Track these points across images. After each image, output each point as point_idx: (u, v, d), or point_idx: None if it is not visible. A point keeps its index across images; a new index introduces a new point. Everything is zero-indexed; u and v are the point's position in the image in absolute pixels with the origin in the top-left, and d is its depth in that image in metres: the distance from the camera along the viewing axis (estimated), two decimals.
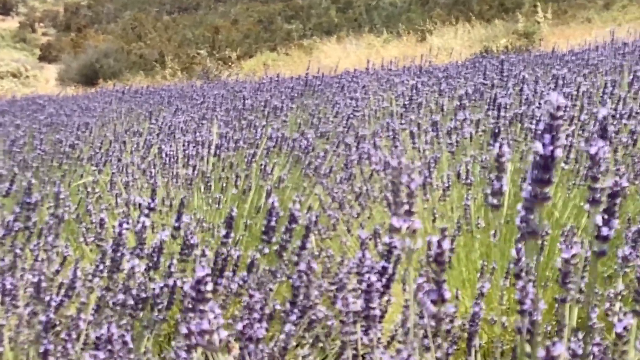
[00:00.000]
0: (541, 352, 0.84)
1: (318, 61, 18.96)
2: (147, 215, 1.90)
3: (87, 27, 41.61)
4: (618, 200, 1.32)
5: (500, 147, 1.52)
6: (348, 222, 3.70)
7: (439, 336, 2.21)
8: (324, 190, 4.02)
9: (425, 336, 1.80)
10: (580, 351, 1.25)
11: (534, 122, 3.77)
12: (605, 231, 1.30)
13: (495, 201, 1.44)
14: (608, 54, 7.54)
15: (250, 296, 1.42)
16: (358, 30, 27.54)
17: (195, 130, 5.40)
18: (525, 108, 4.09)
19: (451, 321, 2.21)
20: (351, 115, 4.88)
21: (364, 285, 1.56)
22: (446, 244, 1.12)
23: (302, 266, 1.50)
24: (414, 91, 5.07)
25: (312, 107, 6.19)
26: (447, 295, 1.13)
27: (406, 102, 4.65)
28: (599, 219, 1.31)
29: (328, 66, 11.41)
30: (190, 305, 1.19)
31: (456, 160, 3.86)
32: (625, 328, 1.23)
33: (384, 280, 1.83)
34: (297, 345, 2.13)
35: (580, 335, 1.35)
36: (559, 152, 1.19)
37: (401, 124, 4.30)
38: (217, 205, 4.13)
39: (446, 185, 3.51)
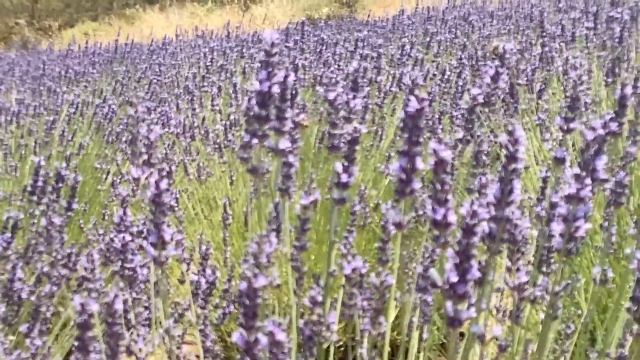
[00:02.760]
0: (243, 285, 0.83)
1: (140, 30, 18.60)
2: None
3: None
4: (357, 147, 1.32)
5: (249, 100, 1.52)
6: None
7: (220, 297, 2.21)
8: (124, 155, 3.96)
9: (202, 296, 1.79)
10: (319, 298, 1.26)
11: (332, 81, 3.81)
12: (344, 178, 1.30)
13: (245, 155, 1.44)
14: (417, 21, 7.77)
15: None
16: None
17: None
18: (325, 69, 4.12)
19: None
20: (154, 80, 4.79)
21: (118, 244, 1.53)
22: (163, 185, 1.09)
23: (43, 221, 1.46)
24: (221, 56, 5.03)
25: (120, 74, 6.06)
26: (168, 237, 1.10)
27: (207, 65, 4.60)
28: (338, 166, 1.31)
29: (151, 36, 11.21)
30: None
31: None
32: (354, 270, 1.24)
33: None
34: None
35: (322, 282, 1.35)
36: (276, 89, 1.19)
37: (202, 86, 4.26)
38: (14, 173, 3.99)
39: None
